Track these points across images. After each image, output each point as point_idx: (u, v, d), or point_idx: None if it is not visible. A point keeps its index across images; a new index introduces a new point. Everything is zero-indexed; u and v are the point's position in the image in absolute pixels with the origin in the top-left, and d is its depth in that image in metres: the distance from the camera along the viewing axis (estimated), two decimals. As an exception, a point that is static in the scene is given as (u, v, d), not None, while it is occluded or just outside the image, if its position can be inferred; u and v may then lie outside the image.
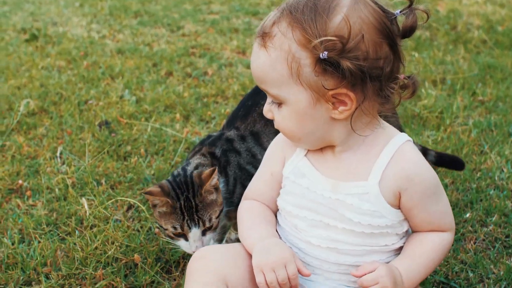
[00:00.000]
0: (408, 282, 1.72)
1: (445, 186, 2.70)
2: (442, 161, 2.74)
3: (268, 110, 1.72)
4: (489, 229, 2.45)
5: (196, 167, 2.30)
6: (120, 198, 2.64)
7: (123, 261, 2.28)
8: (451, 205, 2.32)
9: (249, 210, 1.91)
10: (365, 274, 1.66)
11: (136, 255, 2.27)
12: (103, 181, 2.81)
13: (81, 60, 4.43)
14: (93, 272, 2.21)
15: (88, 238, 2.37)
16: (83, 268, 2.24)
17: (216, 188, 2.21)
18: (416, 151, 1.75)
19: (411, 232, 1.81)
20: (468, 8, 5.83)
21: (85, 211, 2.56)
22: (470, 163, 2.93)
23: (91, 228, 2.47)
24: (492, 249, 2.36)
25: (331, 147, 1.75)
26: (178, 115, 3.50)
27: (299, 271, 1.70)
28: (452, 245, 2.34)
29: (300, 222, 1.79)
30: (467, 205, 2.60)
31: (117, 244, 2.35)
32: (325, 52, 1.54)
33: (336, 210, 1.73)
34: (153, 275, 2.21)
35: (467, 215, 2.53)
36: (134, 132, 3.30)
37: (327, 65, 1.55)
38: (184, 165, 2.33)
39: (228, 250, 1.84)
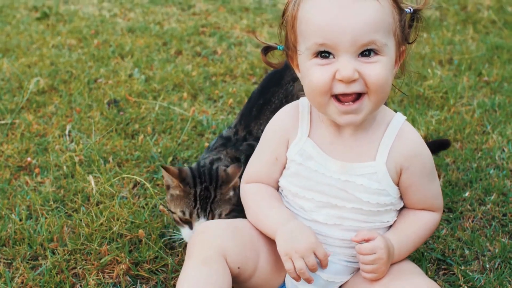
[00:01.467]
0: (398, 255, 1.79)
1: (446, 166, 2.74)
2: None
3: (354, 70, 1.62)
4: (487, 208, 2.49)
5: (225, 165, 2.32)
6: (126, 175, 2.69)
7: (128, 237, 2.33)
8: (451, 184, 2.36)
9: (258, 193, 1.93)
10: (364, 241, 1.73)
11: (140, 231, 2.33)
12: (110, 159, 2.86)
13: (92, 39, 4.47)
14: (98, 248, 2.27)
15: (94, 215, 2.43)
16: (88, 243, 2.30)
17: (235, 188, 2.23)
18: (415, 131, 1.82)
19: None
20: (479, -13, 5.82)
21: (92, 188, 2.62)
22: (471, 143, 2.96)
23: (97, 204, 2.53)
24: (488, 227, 2.40)
25: (337, 127, 1.79)
26: (185, 94, 3.54)
27: None
28: (450, 223, 2.39)
29: (307, 203, 1.83)
30: (467, 184, 2.63)
31: (122, 220, 2.41)
32: (410, 7, 1.64)
33: (345, 191, 1.78)
34: (157, 251, 2.26)
35: (466, 194, 2.56)
36: (142, 110, 3.35)
37: (412, 20, 1.68)
38: (208, 159, 2.37)
39: (229, 226, 1.88)
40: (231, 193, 2.23)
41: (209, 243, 1.79)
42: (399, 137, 1.77)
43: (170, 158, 2.87)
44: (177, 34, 4.59)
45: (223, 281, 1.75)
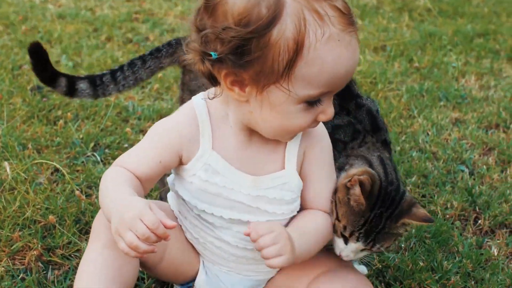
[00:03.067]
0: (299, 252, 1.61)
1: (370, 149, 2.73)
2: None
3: None
4: (407, 189, 2.48)
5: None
6: (42, 161, 2.61)
7: (42, 223, 2.26)
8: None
9: (115, 179, 1.64)
10: (261, 237, 1.54)
11: (51, 217, 2.25)
12: (29, 145, 2.78)
13: (20, 25, 4.35)
14: (9, 234, 2.19)
15: (6, 201, 2.35)
16: (-1, 230, 2.22)
17: (405, 225, 1.83)
18: (323, 126, 1.74)
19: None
20: (416, -24, 5.87)
21: (7, 175, 2.53)
22: (397, 126, 2.97)
23: (11, 191, 2.45)
24: (407, 208, 2.39)
25: (248, 134, 1.66)
26: (112, 80, 3.46)
27: (164, 225, 1.43)
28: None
29: (217, 220, 1.70)
30: (389, 167, 2.63)
31: (36, 206, 2.33)
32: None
33: (257, 207, 1.67)
34: (70, 236, 2.20)
35: (388, 177, 2.55)
36: (66, 97, 3.26)
37: None
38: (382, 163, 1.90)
39: None
40: (401, 229, 1.82)
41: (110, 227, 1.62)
42: (305, 132, 1.68)
43: (92, 144, 2.80)
44: (108, 20, 4.51)
45: (126, 265, 1.66)
